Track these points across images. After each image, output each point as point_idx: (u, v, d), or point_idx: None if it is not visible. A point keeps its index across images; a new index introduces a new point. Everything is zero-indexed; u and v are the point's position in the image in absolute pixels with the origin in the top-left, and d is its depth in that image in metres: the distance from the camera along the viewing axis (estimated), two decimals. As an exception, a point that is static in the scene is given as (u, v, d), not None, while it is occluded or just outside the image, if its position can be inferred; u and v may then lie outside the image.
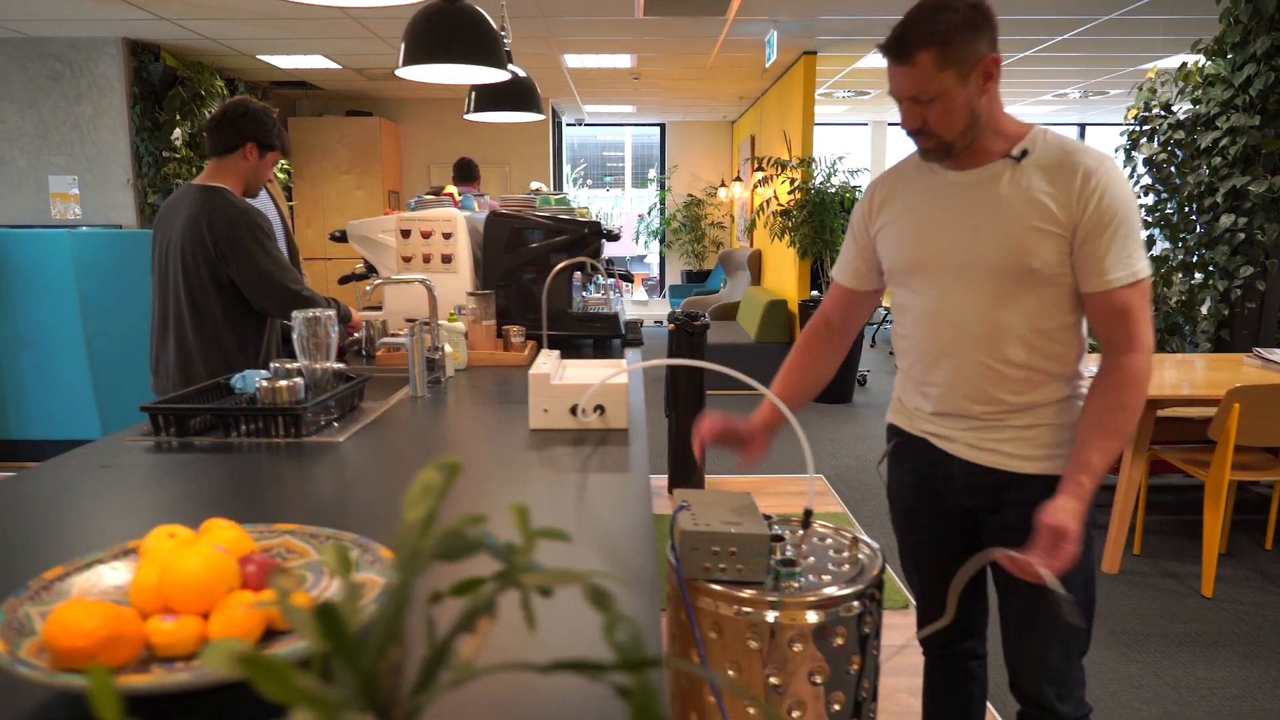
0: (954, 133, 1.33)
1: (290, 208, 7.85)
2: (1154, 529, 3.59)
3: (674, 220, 10.73)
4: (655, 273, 12.00)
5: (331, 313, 1.99)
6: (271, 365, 1.98)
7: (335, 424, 1.90)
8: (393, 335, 2.80)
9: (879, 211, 1.52)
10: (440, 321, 2.59)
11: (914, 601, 1.75)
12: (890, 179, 1.53)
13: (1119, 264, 1.31)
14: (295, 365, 1.98)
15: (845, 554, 1.55)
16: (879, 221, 1.52)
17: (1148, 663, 2.50)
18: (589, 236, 2.97)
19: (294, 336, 1.95)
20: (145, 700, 0.77)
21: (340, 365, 2.08)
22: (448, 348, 2.44)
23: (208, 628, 0.80)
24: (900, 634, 2.64)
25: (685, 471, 3.95)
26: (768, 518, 1.63)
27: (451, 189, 3.62)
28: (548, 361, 1.95)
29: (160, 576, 0.83)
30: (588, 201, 13.92)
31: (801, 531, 1.59)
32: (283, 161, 3.59)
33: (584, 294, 3.55)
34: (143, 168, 5.81)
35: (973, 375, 1.42)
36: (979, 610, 1.67)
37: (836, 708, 1.41)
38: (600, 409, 1.81)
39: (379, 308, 3.06)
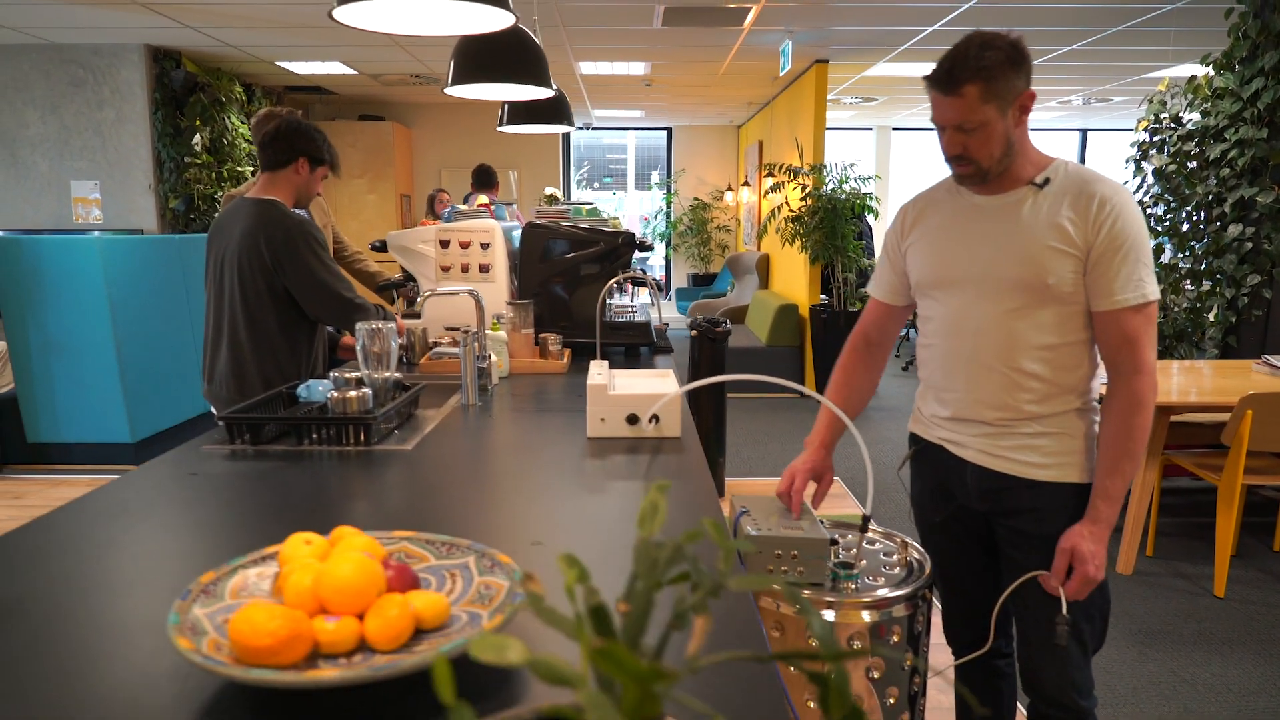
0: (991, 160, 1.44)
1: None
2: (1165, 531, 3.69)
3: (680, 224, 10.82)
4: (661, 275, 12.09)
5: (393, 325, 2.07)
6: (332, 375, 2.07)
7: (396, 431, 1.99)
8: (444, 343, 2.89)
9: (910, 230, 1.64)
10: (485, 330, 2.68)
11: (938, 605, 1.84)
12: (920, 202, 1.64)
13: (1128, 285, 1.42)
14: (355, 375, 2.07)
15: (895, 557, 1.64)
16: (909, 239, 1.63)
17: (1165, 661, 2.60)
18: (622, 247, 3.05)
19: (357, 347, 2.04)
20: (309, 694, 0.86)
21: (399, 375, 2.16)
22: (494, 356, 2.52)
23: (363, 627, 0.89)
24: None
25: (707, 474, 4.03)
26: (823, 522, 1.72)
27: (484, 199, 3.71)
28: (601, 372, 2.03)
29: (316, 580, 0.91)
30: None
31: (857, 535, 1.69)
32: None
33: (610, 301, 3.65)
34: (164, 173, 5.89)
35: (988, 382, 1.52)
36: (1003, 611, 1.77)
37: (891, 701, 1.50)
38: (656, 419, 1.90)
39: (418, 315, 3.14)
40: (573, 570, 0.56)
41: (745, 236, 9.90)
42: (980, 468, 1.57)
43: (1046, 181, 1.47)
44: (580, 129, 11.08)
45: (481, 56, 2.33)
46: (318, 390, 2.05)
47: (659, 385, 1.97)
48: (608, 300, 3.63)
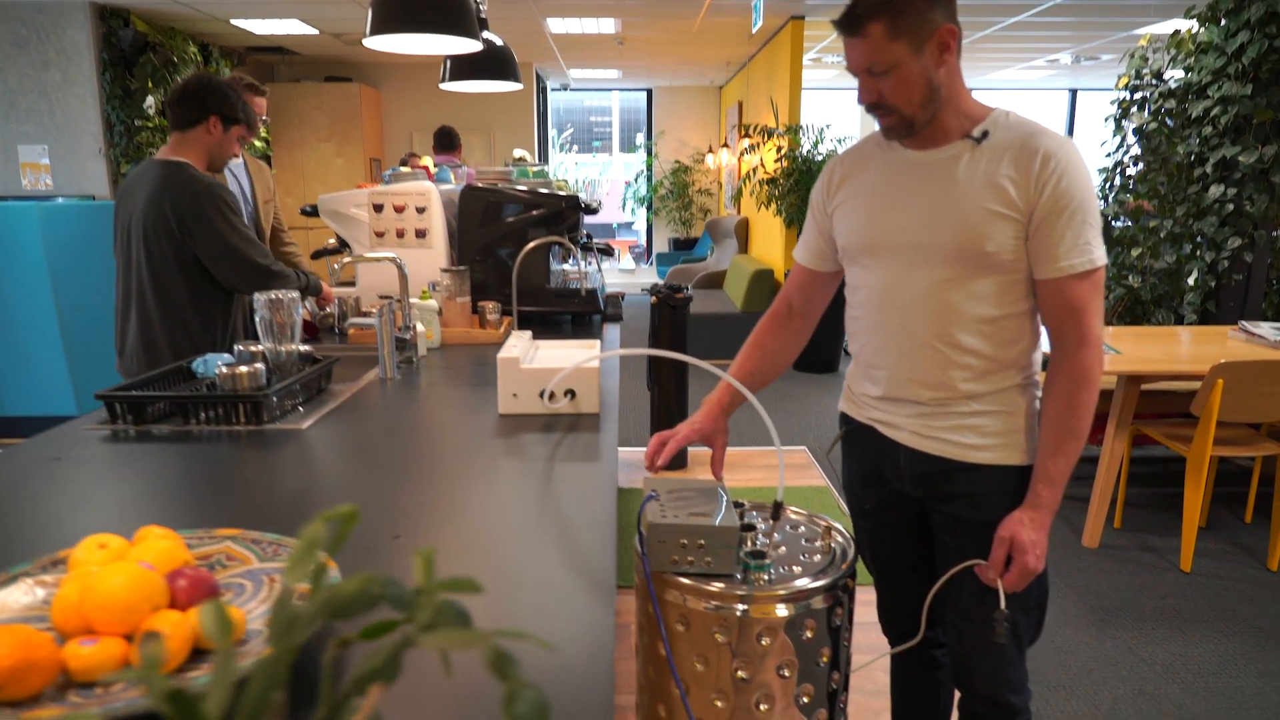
0: (912, 106, 1.29)
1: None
2: (1135, 502, 3.60)
3: (661, 187, 10.61)
4: (642, 241, 11.91)
5: (294, 294, 1.93)
6: (236, 348, 1.93)
7: (301, 408, 1.86)
8: (364, 314, 2.74)
9: (837, 189, 1.48)
10: (412, 299, 2.54)
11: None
12: (850, 157, 1.49)
13: (1074, 250, 1.28)
14: (260, 348, 1.93)
15: (818, 543, 1.52)
16: (837, 199, 1.48)
17: (1124, 639, 2.50)
18: (566, 210, 2.90)
19: (256, 319, 1.90)
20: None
21: (306, 347, 2.03)
22: (420, 326, 2.38)
23: (131, 651, 0.76)
24: (864, 610, 2.61)
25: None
26: (740, 505, 1.60)
27: (427, 160, 3.53)
28: (519, 343, 1.90)
29: (80, 595, 0.78)
30: (575, 167, 13.77)
31: (775, 521, 1.56)
32: (261, 130, 3.51)
33: (564, 267, 3.50)
34: (114, 137, 5.68)
35: (922, 359, 1.38)
36: (938, 600, 1.65)
37: (805, 700, 1.39)
38: (571, 393, 1.77)
39: (353, 284, 3.00)
40: (220, 628, 0.43)
41: (726, 200, 9.71)
42: (913, 450, 1.44)
43: (985, 135, 1.33)
44: (556, 90, 10.82)
45: (399, 3, 2.16)
46: (215, 365, 1.91)
47: (583, 358, 1.84)
48: (557, 267, 3.48)
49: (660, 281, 7.63)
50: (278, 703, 0.43)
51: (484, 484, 1.36)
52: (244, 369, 1.74)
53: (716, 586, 1.35)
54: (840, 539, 1.53)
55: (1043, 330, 1.41)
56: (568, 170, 13.56)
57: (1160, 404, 3.61)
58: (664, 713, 1.45)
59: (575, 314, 2.96)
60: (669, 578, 1.38)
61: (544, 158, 9.75)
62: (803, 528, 1.58)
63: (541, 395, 1.75)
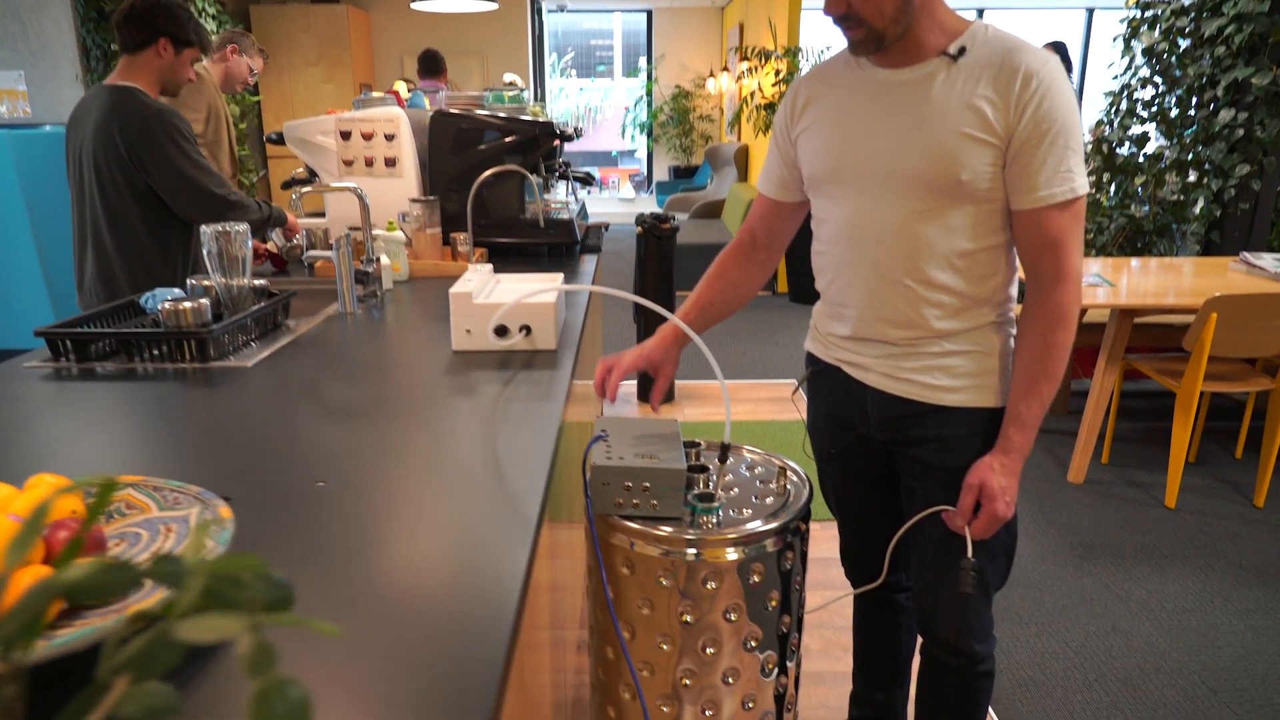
0: (883, 19, 1.19)
1: (257, 103, 7.52)
2: (1125, 436, 3.55)
3: (661, 113, 10.34)
4: (643, 169, 11.68)
5: (244, 226, 1.86)
6: (189, 283, 1.87)
7: (255, 343, 1.81)
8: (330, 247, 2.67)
9: (802, 113, 1.38)
10: (379, 231, 2.46)
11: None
12: (815, 78, 1.38)
13: (1055, 179, 1.20)
14: (210, 282, 1.87)
15: (773, 484, 1.48)
16: (801, 124, 1.38)
17: (1101, 575, 2.49)
18: (542, 138, 2.79)
19: (204, 252, 1.83)
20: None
21: (262, 281, 1.96)
22: (384, 259, 2.31)
23: (-5, 607, 0.72)
24: (829, 546, 2.61)
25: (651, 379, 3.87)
26: (695, 445, 1.55)
27: (399, 85, 3.40)
28: (475, 277, 1.83)
29: (-56, 550, 0.74)
30: (577, 93, 13.42)
31: (734, 461, 1.52)
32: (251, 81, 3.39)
33: (544, 198, 3.39)
34: (91, 61, 5.51)
35: (891, 296, 1.31)
36: (902, 544, 1.62)
37: (753, 643, 1.37)
38: (526, 329, 1.71)
39: (322, 214, 2.91)
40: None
41: (727, 127, 9.46)
42: (881, 393, 1.38)
43: (962, 51, 1.22)
44: (553, 11, 10.47)
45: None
46: (165, 300, 1.85)
47: (526, 292, 1.77)
48: (533, 197, 3.38)
49: (660, 210, 7.49)
50: (11, 698, 0.38)
51: (423, 424, 1.32)
52: (188, 305, 1.68)
53: (664, 531, 1.32)
54: (795, 479, 1.49)
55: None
56: (568, 96, 13.21)
57: (1156, 337, 3.53)
58: (612, 655, 1.43)
59: (552, 245, 2.88)
60: (615, 521, 1.35)
61: (539, 83, 9.49)
62: (759, 468, 1.54)
63: (501, 333, 1.69)
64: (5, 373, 1.60)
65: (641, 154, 11.69)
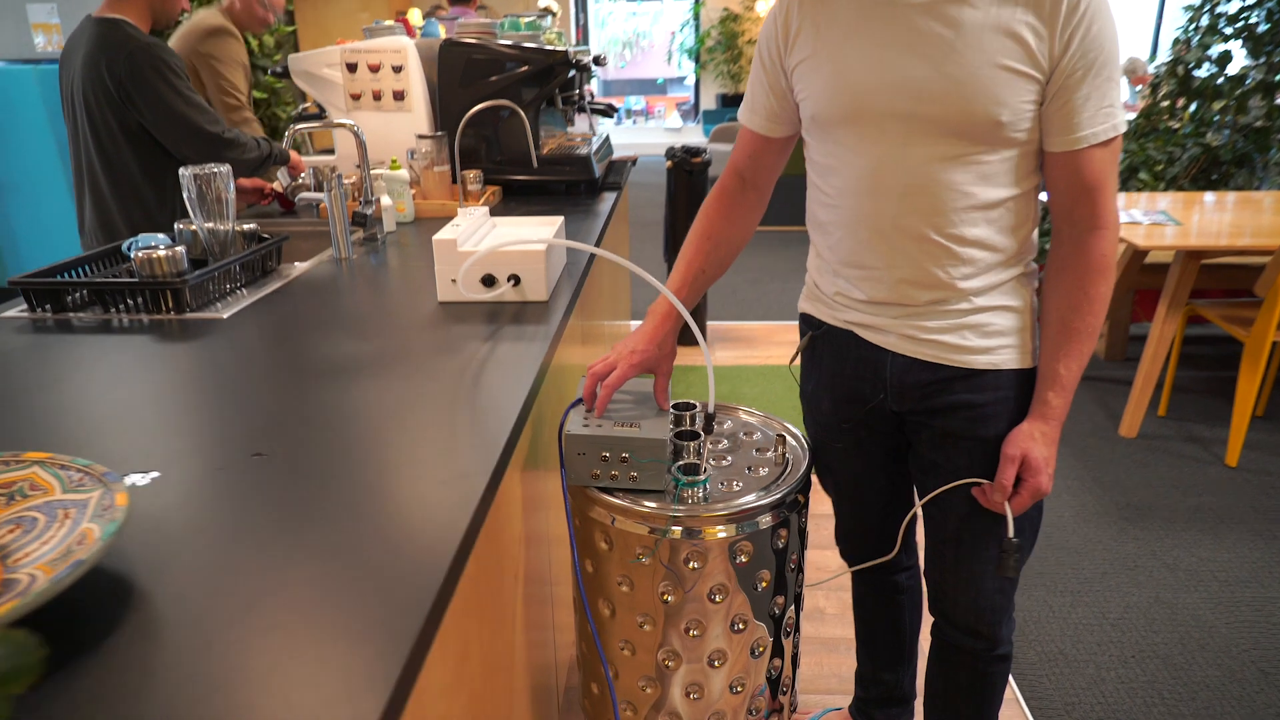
0: None
1: (292, 33, 7.39)
2: (1185, 386, 3.32)
3: (709, 38, 9.93)
4: (692, 97, 11.31)
5: (225, 168, 1.76)
6: (176, 228, 1.80)
7: (243, 290, 1.73)
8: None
9: (796, 38, 1.17)
10: (381, 170, 2.35)
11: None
12: None
13: (1098, 115, 1.03)
14: (194, 227, 1.79)
15: (770, 453, 1.36)
16: (797, 53, 1.18)
17: (1148, 540, 2.32)
18: (557, 68, 2.62)
19: (185, 196, 1.75)
20: None
21: (251, 225, 1.88)
22: (386, 199, 2.21)
23: None
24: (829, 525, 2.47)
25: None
26: (690, 407, 1.42)
27: (412, 13, 3.24)
28: (465, 221, 1.71)
29: None
30: (624, 17, 12.97)
31: (706, 435, 1.39)
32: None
33: (568, 131, 3.23)
34: (122, -8, 5.43)
35: (920, 256, 1.14)
36: (901, 520, 1.48)
37: (741, 626, 1.27)
38: (515, 279, 1.59)
39: (331, 151, 2.81)
40: None
41: (778, 52, 9.03)
42: (903, 357, 1.21)
43: None
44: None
45: None
46: (140, 248, 1.78)
47: (537, 237, 1.65)
48: (567, 129, 3.22)
49: (706, 139, 7.20)
50: None
51: (390, 384, 1.22)
52: (161, 253, 1.60)
53: (645, 506, 1.21)
54: (795, 446, 1.36)
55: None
56: (617, 20, 12.79)
57: (1227, 278, 3.27)
58: (590, 631, 1.34)
59: (569, 183, 2.73)
60: (593, 493, 1.24)
61: (582, 7, 9.16)
62: (757, 434, 1.42)
63: (489, 283, 1.58)
64: (-19, 323, 1.55)
65: (690, 81, 11.30)
